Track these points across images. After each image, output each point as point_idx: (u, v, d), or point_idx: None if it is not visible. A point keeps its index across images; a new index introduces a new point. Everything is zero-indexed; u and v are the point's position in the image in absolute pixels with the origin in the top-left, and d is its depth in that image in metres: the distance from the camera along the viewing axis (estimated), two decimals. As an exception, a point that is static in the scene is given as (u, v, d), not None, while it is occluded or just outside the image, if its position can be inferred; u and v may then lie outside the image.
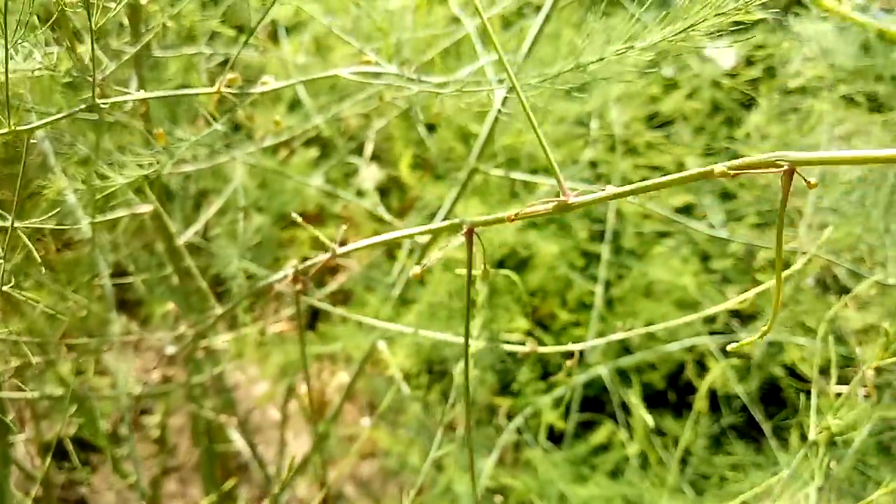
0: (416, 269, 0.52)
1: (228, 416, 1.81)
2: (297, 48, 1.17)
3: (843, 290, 1.66)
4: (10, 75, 0.51)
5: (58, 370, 1.29)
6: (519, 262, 1.50)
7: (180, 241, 1.25)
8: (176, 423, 2.19)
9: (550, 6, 0.89)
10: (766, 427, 1.20)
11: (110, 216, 1.13)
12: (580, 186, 0.56)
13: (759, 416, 1.24)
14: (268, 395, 1.59)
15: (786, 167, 0.36)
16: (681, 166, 1.48)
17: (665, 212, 1.05)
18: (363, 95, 1.36)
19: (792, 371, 1.44)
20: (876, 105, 1.47)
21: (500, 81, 0.74)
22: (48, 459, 1.01)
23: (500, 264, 1.53)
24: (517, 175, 1.16)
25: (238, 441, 1.46)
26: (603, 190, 0.45)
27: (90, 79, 0.51)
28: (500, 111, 0.85)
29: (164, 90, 0.88)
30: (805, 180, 0.36)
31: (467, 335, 0.55)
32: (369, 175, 2.17)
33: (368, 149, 1.98)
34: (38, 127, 0.50)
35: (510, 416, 1.30)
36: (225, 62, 1.42)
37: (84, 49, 0.55)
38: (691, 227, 1.06)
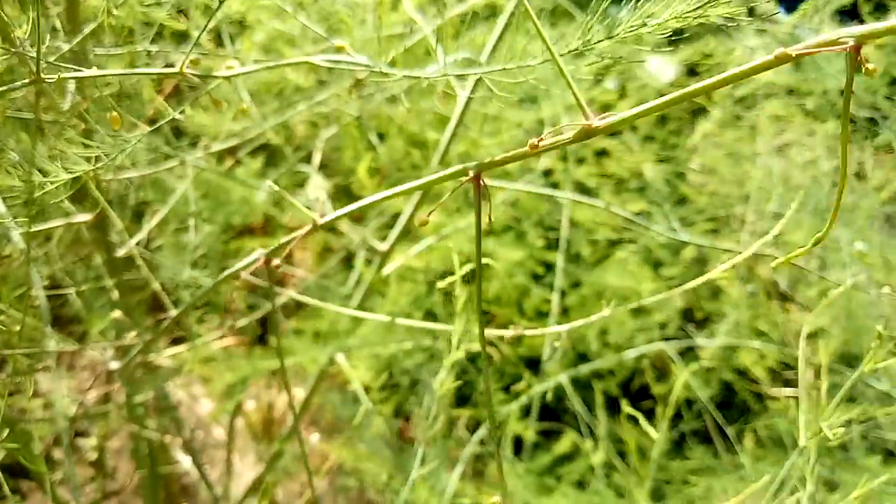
0: (423, 216, 0.48)
1: (172, 436, 1.73)
2: (249, 47, 1.13)
3: (783, 297, 1.71)
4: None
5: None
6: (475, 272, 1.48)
7: (120, 252, 1.18)
8: (114, 445, 2.09)
9: (511, 12, 0.88)
10: (731, 431, 1.21)
11: (44, 226, 1.06)
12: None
13: (719, 420, 1.25)
14: (217, 410, 1.52)
15: (850, 44, 0.36)
16: (635, 173, 1.49)
17: (625, 213, 1.04)
18: (313, 101, 1.33)
19: (742, 373, 1.46)
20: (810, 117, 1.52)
21: (461, 77, 0.72)
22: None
23: (445, 276, 1.51)
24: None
25: (184, 462, 1.39)
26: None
27: (32, 55, 0.46)
28: (465, 107, 0.83)
29: (108, 89, 0.83)
30: (864, 65, 0.37)
31: (479, 291, 0.52)
32: (317, 184, 2.12)
33: (317, 158, 1.94)
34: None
35: (469, 428, 1.28)
36: (168, 66, 1.36)
37: (22, 29, 0.50)
38: (652, 229, 1.05)
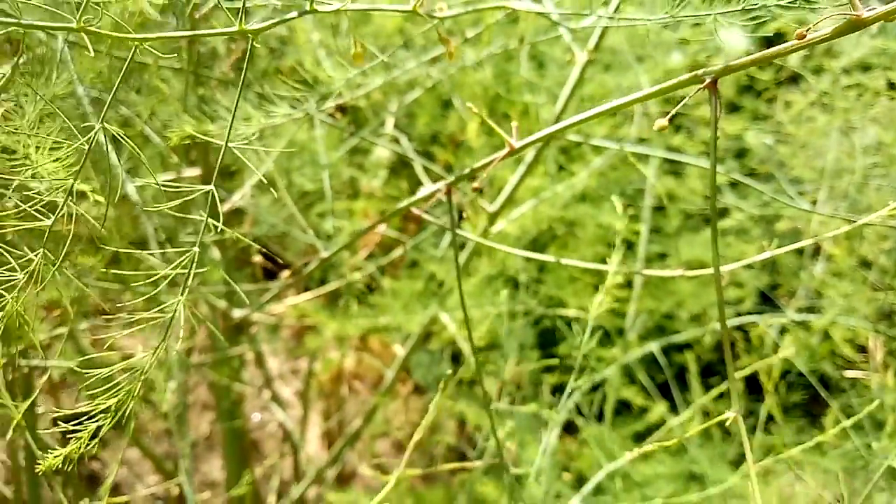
0: (661, 122, 0.46)
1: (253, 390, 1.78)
2: None
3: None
4: None
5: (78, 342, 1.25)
6: (557, 241, 1.48)
7: (224, 207, 1.21)
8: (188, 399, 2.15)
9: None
10: (834, 404, 1.19)
11: (156, 180, 1.08)
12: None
13: (822, 393, 1.23)
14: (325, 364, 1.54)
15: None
16: (731, 142, 1.46)
17: (738, 177, 1.02)
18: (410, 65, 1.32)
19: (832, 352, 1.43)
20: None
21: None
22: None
23: (534, 244, 1.51)
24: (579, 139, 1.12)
25: (270, 417, 1.43)
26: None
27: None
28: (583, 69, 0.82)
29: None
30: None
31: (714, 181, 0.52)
32: (382, 152, 2.13)
33: (390, 123, 1.94)
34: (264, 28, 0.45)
35: (554, 392, 1.29)
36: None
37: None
38: (758, 189, 1.03)
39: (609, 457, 0.92)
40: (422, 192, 0.57)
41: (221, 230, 0.44)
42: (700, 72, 0.45)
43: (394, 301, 1.23)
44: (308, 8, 0.47)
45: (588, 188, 1.35)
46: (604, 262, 0.81)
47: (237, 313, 1.04)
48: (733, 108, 1.66)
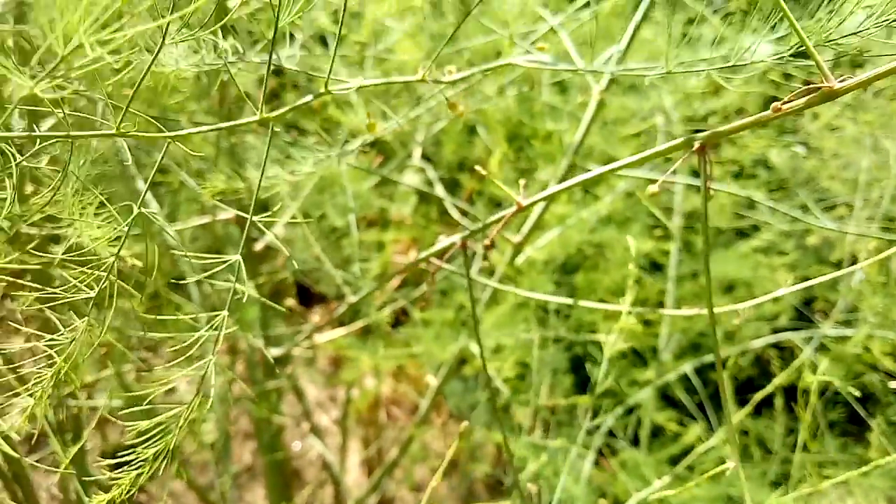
0: (653, 188, 0.49)
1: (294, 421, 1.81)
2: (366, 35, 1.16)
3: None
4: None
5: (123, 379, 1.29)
6: (587, 263, 1.49)
7: (259, 245, 1.25)
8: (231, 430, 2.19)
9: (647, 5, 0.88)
10: (874, 423, 1.17)
11: (195, 222, 1.13)
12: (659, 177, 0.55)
13: (861, 412, 1.21)
14: (362, 396, 1.57)
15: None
16: (757, 160, 1.46)
17: (758, 198, 1.03)
18: (425, 99, 1.36)
19: (873, 366, 1.41)
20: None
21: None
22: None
23: (564, 268, 1.52)
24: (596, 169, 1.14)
25: (295, 446, 1.45)
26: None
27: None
28: (600, 104, 0.84)
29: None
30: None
31: (709, 281, 0.53)
32: (411, 180, 2.16)
33: (417, 153, 1.98)
34: (283, 114, 0.49)
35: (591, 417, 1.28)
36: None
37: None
38: (782, 210, 1.03)
39: (644, 482, 0.92)
40: (439, 245, 0.59)
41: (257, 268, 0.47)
42: (692, 136, 0.47)
43: (425, 331, 1.25)
44: (323, 90, 0.50)
45: (615, 210, 1.36)
46: (624, 291, 0.82)
47: (273, 352, 1.07)
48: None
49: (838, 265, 1.49)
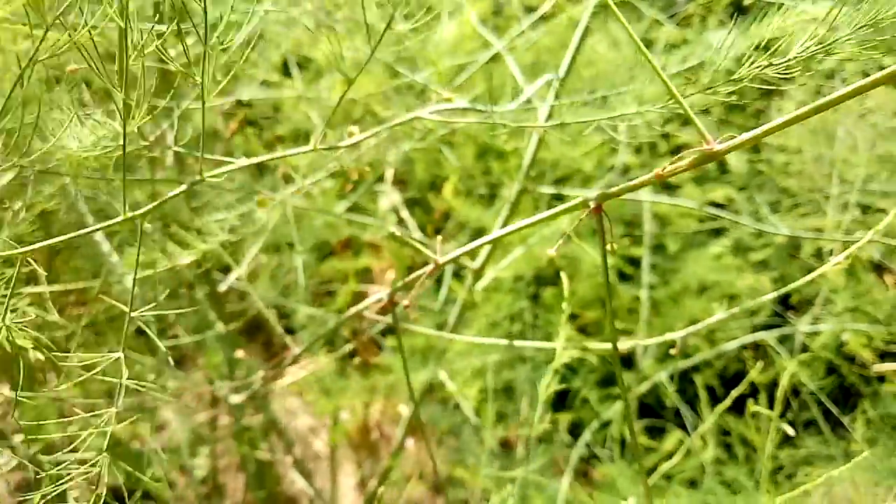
0: (552, 251, 0.51)
1: (281, 454, 1.80)
2: (333, 85, 1.16)
3: (878, 268, 1.63)
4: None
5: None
6: (557, 275, 1.48)
7: (223, 286, 1.24)
8: (221, 463, 2.18)
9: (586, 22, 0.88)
10: (846, 419, 1.17)
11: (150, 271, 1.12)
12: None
13: (829, 407, 1.21)
14: (344, 424, 1.57)
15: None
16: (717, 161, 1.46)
17: (710, 210, 1.03)
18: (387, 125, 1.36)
19: (849, 358, 1.41)
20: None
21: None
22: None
23: (538, 280, 1.52)
24: (547, 189, 1.14)
25: (296, 479, 1.45)
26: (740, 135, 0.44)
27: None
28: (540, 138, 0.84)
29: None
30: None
31: (610, 315, 0.53)
32: (391, 200, 2.16)
33: (389, 173, 1.97)
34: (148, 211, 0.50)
35: (570, 431, 1.28)
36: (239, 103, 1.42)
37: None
38: (741, 223, 1.03)
39: (621, 497, 0.92)
40: (368, 300, 0.60)
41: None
42: (587, 197, 0.48)
43: (395, 360, 1.25)
44: (199, 177, 0.49)
45: (582, 222, 1.35)
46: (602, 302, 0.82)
47: (234, 399, 1.07)
48: (723, 123, 1.66)
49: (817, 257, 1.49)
